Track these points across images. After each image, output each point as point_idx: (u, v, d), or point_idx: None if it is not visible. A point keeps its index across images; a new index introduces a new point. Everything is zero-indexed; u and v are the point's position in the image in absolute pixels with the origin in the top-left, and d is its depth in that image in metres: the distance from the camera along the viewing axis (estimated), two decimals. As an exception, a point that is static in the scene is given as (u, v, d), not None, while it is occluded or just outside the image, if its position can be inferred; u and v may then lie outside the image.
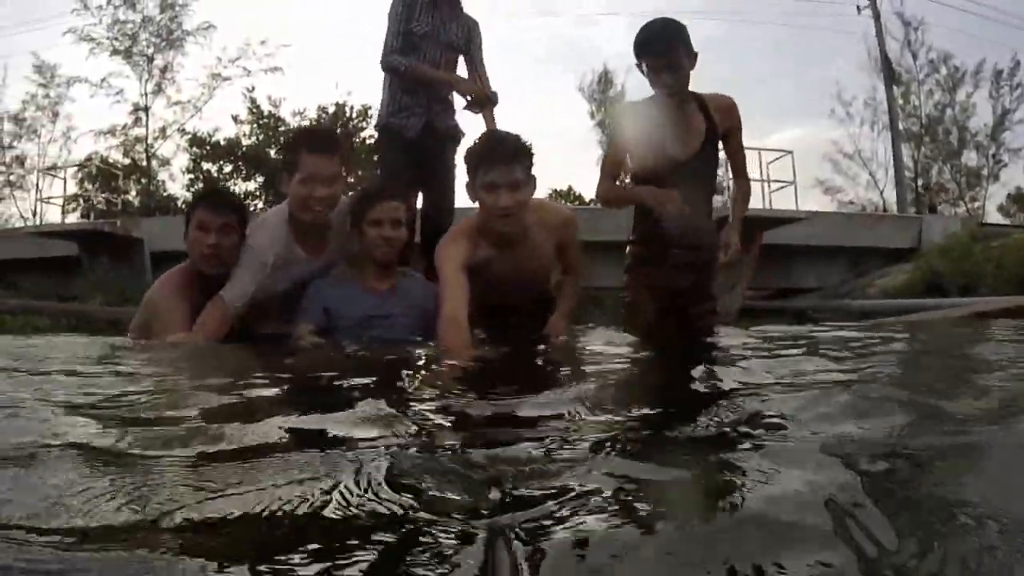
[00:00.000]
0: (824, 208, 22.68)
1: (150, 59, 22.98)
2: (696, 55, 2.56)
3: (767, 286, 12.87)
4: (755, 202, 14.37)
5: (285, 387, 1.57)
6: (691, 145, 2.57)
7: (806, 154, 41.48)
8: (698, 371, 1.53)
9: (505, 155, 2.33)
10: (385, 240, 2.60)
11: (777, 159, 13.72)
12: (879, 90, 22.53)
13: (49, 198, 19.58)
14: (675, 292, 2.69)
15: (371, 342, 2.45)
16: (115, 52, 22.76)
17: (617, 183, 2.78)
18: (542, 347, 2.44)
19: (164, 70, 23.20)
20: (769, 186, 13.53)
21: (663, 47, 2.51)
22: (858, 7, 21.30)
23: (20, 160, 24.88)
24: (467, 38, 3.55)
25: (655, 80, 2.54)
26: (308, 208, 2.49)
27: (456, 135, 3.55)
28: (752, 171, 13.31)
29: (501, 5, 47.53)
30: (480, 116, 3.39)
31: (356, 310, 2.61)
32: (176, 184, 23.95)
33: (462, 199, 2.99)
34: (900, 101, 23.91)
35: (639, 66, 2.57)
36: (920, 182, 26.16)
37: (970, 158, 27.11)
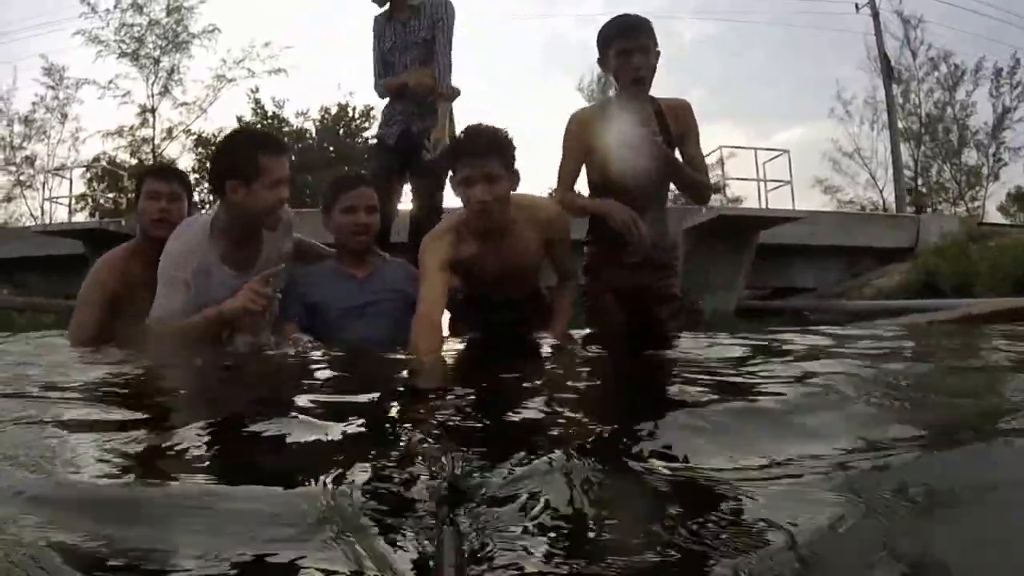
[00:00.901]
0: (824, 207, 22.79)
1: (156, 61, 23.32)
2: (659, 53, 2.58)
3: (764, 285, 12.96)
4: (752, 202, 14.52)
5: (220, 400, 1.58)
6: (650, 149, 2.51)
7: (806, 153, 41.60)
8: (660, 379, 1.60)
9: (479, 148, 2.29)
10: (359, 227, 2.64)
11: (774, 158, 13.75)
12: (879, 89, 22.60)
13: (56, 198, 19.82)
14: (635, 291, 2.68)
15: (353, 335, 2.50)
16: (122, 54, 23.16)
17: (574, 191, 2.70)
18: (517, 349, 2.44)
19: (170, 72, 23.54)
20: (766, 186, 13.58)
21: (636, 29, 2.52)
22: (856, 5, 21.42)
23: (30, 160, 25.24)
24: (432, 26, 3.53)
25: (624, 66, 2.53)
26: (274, 214, 2.36)
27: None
28: (749, 171, 13.55)
29: (500, 6, 47.86)
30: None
31: (339, 300, 2.62)
32: None
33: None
34: (900, 100, 24.03)
35: (603, 60, 2.61)
36: (920, 181, 26.20)
37: (970, 157, 27.10)
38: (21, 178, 25.29)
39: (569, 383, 1.72)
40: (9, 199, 25.77)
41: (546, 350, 2.42)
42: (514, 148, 2.36)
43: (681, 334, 2.67)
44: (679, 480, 0.85)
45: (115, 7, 22.84)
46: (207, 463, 0.94)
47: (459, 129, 3.19)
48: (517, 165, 2.37)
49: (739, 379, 1.64)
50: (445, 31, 3.52)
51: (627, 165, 2.51)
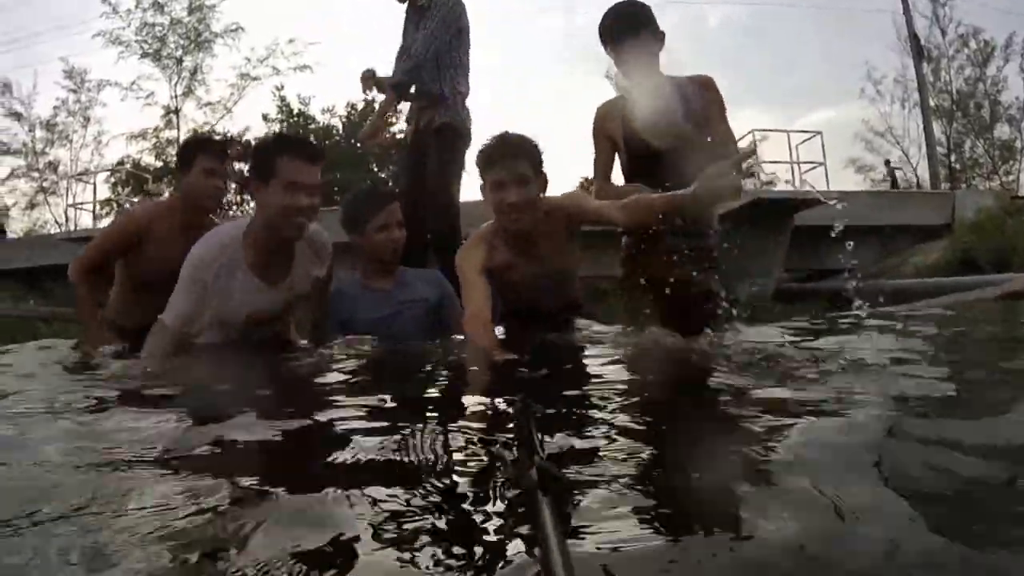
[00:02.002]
0: (858, 188, 22.50)
1: (179, 61, 23.43)
2: (663, 35, 2.52)
3: (800, 268, 12.82)
4: (784, 185, 14.42)
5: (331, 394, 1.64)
6: (676, 127, 2.45)
7: (838, 134, 40.95)
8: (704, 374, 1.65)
9: (509, 151, 2.33)
10: (394, 242, 2.73)
11: (807, 140, 13.65)
12: (909, 68, 22.23)
13: (80, 204, 19.96)
14: (674, 283, 2.57)
15: (385, 344, 2.53)
16: (144, 55, 23.23)
17: (611, 182, 2.67)
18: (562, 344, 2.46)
19: (194, 72, 23.66)
20: (799, 168, 13.49)
21: (625, 29, 2.48)
22: (883, -17, 21.06)
23: (53, 166, 25.45)
24: (422, 24, 3.56)
25: (620, 63, 2.52)
26: (288, 220, 2.24)
27: (442, 129, 3.55)
28: (782, 153, 13.49)
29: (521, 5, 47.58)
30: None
31: (368, 313, 2.70)
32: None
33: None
34: (930, 77, 23.59)
35: (608, 52, 2.56)
36: (953, 157, 25.80)
37: (1003, 131, 26.65)
38: (44, 184, 25.52)
39: (626, 377, 1.77)
40: (32, 206, 26.06)
41: (591, 343, 2.45)
42: (541, 152, 2.39)
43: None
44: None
45: (136, 7, 22.97)
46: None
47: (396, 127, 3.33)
48: (545, 168, 2.41)
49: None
50: (436, 20, 3.51)
51: (652, 138, 2.47)
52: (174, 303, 2.25)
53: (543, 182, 2.39)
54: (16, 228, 25.19)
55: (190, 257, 2.27)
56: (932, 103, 22.58)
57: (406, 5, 3.68)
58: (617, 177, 2.70)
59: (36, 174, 25.44)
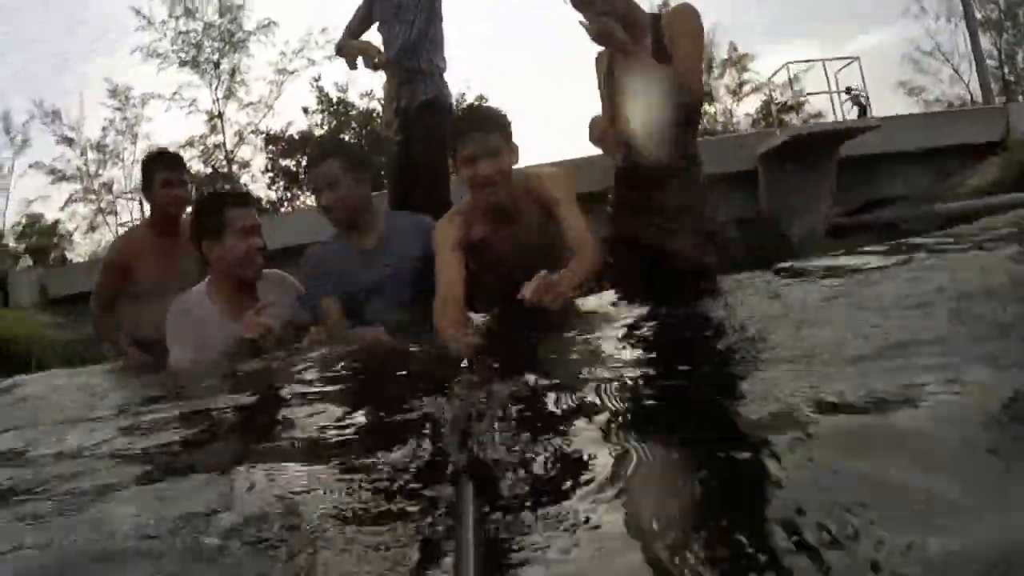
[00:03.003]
0: (909, 110, 21.84)
1: (216, 64, 23.90)
2: None
3: (852, 200, 12.61)
4: (830, 116, 14.03)
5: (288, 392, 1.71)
6: (646, 75, 2.34)
7: (887, 58, 39.49)
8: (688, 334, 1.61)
9: (478, 124, 2.32)
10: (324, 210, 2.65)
11: (844, 67, 13.28)
12: (951, -22, 21.37)
13: (132, 221, 20.67)
14: (635, 241, 2.55)
15: (375, 314, 2.53)
16: (183, 64, 23.80)
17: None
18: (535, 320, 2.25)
19: (232, 73, 24.11)
20: (839, 97, 13.18)
21: None
22: None
23: (108, 186, 26.38)
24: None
25: (587, 25, 2.35)
26: (251, 260, 2.46)
27: (426, 104, 3.50)
28: (820, 84, 13.09)
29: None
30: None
31: (359, 279, 2.60)
32: (258, 185, 24.69)
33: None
34: (973, -13, 22.61)
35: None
36: (1006, 70, 24.73)
37: (1056, 39, 25.26)
38: (102, 206, 26.47)
39: (600, 346, 1.69)
40: (93, 228, 27.21)
41: (570, 314, 2.22)
42: (510, 123, 2.38)
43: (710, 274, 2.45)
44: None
45: (169, 16, 23.52)
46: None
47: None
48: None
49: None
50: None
51: (625, 108, 2.44)
52: (175, 359, 2.47)
53: (514, 153, 2.37)
54: (81, 252, 26.57)
55: (168, 323, 2.50)
56: (979, 15, 21.68)
57: None
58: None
59: (93, 196, 26.58)
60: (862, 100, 14.07)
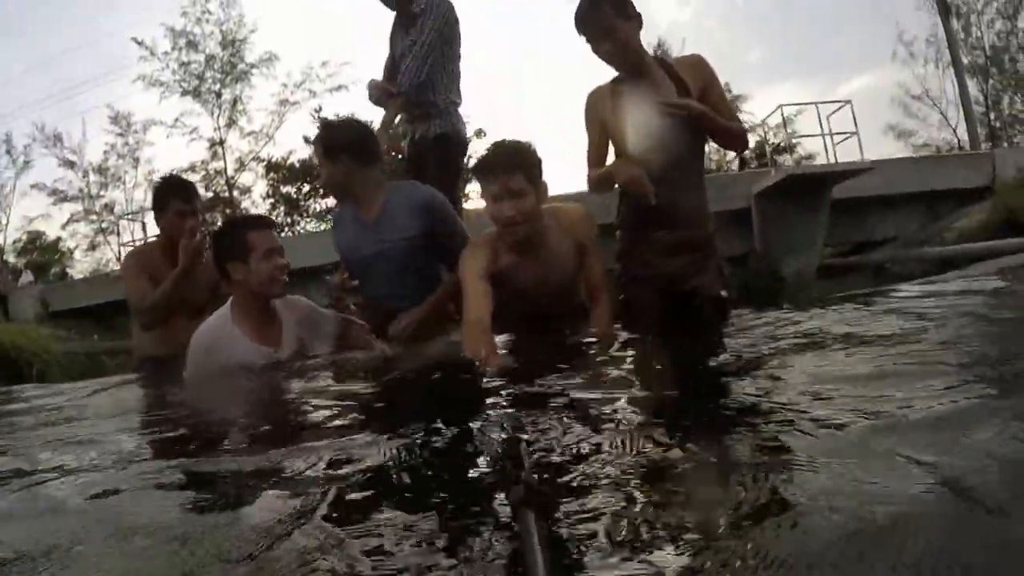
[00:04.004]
0: (899, 154, 22.27)
1: (218, 95, 24.18)
2: (638, 16, 2.46)
3: (844, 241, 12.84)
4: (822, 158, 14.37)
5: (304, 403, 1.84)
6: (666, 116, 2.39)
7: (875, 101, 40.25)
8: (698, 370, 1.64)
9: (503, 165, 2.30)
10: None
11: (836, 110, 13.54)
12: (939, 26, 21.78)
13: (132, 242, 20.75)
14: (668, 278, 2.58)
15: (371, 287, 2.74)
16: (185, 92, 24.04)
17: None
18: (563, 345, 2.37)
19: (234, 103, 24.37)
20: (832, 139, 13.44)
21: (584, 14, 2.45)
22: (905, -58, 20.83)
23: (109, 208, 26.42)
24: (412, 31, 3.53)
25: (597, 53, 2.48)
26: (276, 281, 2.50)
27: (438, 138, 3.56)
28: (812, 126, 13.46)
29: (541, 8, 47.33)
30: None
31: (355, 249, 2.78)
32: (259, 211, 24.37)
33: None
34: (961, 34, 23.26)
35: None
36: (992, 115, 25.31)
37: (1041, 84, 25.97)
38: (103, 226, 26.50)
39: (618, 376, 1.73)
40: (94, 247, 27.29)
41: (589, 345, 2.35)
42: (539, 161, 2.37)
43: (727, 316, 2.56)
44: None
45: (172, 47, 23.83)
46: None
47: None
48: (550, 177, 2.36)
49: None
50: (425, 31, 3.48)
51: (644, 143, 2.45)
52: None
53: (542, 191, 2.37)
54: (82, 269, 26.74)
55: (192, 353, 2.51)
56: (965, 60, 22.24)
57: (395, 13, 3.69)
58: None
59: (94, 217, 26.71)
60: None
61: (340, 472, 1.04)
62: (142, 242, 17.73)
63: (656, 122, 2.40)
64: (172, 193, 3.10)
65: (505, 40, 47.90)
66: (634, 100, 2.48)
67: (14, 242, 27.62)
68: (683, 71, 2.49)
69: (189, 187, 3.30)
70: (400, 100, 3.55)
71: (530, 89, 48.94)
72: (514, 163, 2.30)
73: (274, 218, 22.95)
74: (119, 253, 21.83)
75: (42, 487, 1.14)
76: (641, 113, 2.44)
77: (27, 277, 19.92)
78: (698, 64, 2.53)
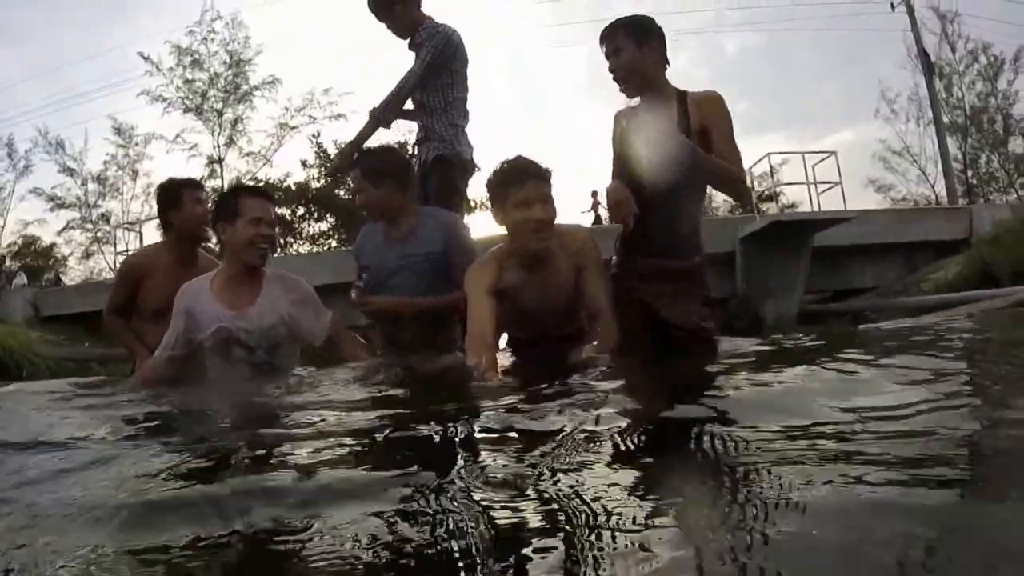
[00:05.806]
0: (878, 206, 22.82)
1: (220, 114, 24.37)
2: (654, 48, 2.49)
3: (823, 289, 13.12)
4: (806, 207, 14.74)
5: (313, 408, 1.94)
6: (670, 143, 2.38)
7: (857, 155, 41.14)
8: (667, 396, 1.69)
9: (534, 170, 2.37)
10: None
11: (822, 161, 13.86)
12: (921, 85, 22.67)
13: (128, 251, 20.78)
14: (642, 304, 2.63)
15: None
16: (187, 109, 24.27)
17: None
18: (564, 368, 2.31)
19: (234, 123, 24.57)
20: (816, 188, 13.79)
21: (605, 32, 2.52)
22: (892, 4, 21.53)
23: (105, 217, 26.71)
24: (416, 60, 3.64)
25: (608, 69, 2.55)
26: (255, 248, 2.59)
27: (436, 161, 3.63)
28: (797, 175, 13.76)
29: (540, 35, 48.17)
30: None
31: (380, 263, 2.97)
32: None
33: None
34: (942, 94, 24.12)
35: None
36: (969, 173, 26.09)
37: (1017, 145, 26.86)
38: (99, 235, 26.87)
39: (609, 393, 1.78)
40: (88, 255, 27.68)
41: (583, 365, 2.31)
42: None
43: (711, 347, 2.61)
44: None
45: (177, 64, 24.12)
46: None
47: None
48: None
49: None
50: (418, 61, 3.57)
51: (642, 162, 2.48)
52: (163, 340, 2.69)
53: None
54: (75, 276, 27.05)
55: (176, 303, 2.66)
56: (946, 119, 22.99)
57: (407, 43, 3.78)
58: None
59: (90, 225, 27.02)
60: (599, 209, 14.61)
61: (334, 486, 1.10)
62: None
63: (650, 149, 2.44)
64: (183, 185, 3.22)
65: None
66: (633, 124, 2.58)
67: (8, 245, 27.84)
68: (693, 105, 2.49)
69: (196, 180, 3.47)
70: (371, 123, 3.63)
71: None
72: (543, 169, 2.40)
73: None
74: (114, 263, 21.94)
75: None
76: (637, 138, 2.52)
77: (21, 279, 19.81)
78: (709, 101, 2.50)
